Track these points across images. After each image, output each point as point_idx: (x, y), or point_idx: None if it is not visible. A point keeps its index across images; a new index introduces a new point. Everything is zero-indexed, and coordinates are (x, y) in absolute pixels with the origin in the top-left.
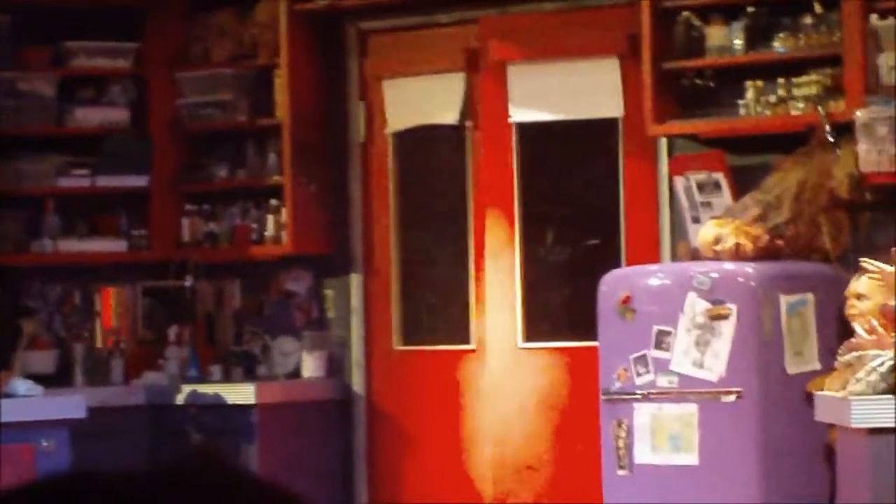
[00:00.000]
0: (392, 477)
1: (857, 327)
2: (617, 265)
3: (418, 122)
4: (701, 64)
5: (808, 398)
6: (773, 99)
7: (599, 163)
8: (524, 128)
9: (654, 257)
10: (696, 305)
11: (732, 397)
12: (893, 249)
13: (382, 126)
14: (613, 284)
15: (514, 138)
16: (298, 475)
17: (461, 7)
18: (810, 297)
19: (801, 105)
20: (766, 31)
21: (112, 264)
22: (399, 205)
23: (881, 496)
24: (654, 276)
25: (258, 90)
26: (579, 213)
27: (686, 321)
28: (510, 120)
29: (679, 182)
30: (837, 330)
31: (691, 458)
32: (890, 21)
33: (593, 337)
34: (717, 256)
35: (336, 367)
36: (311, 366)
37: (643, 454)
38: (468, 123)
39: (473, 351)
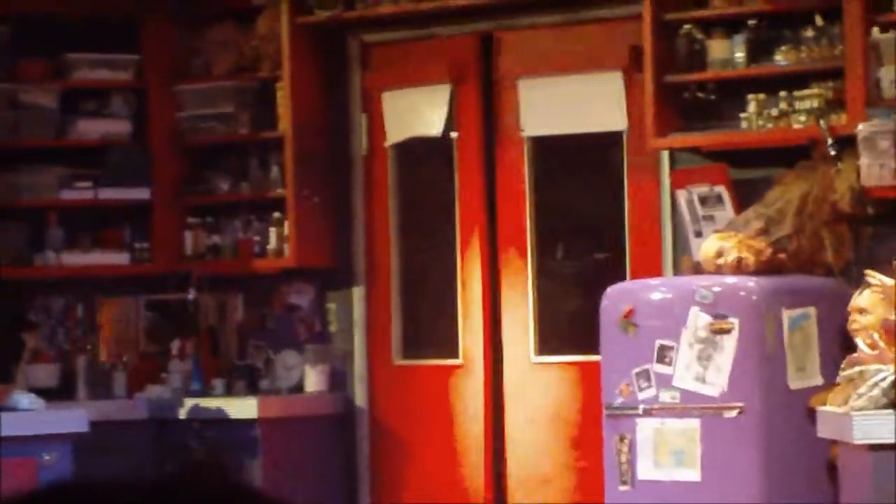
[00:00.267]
0: (394, 491)
1: (860, 342)
2: (623, 279)
3: (409, 135)
4: (703, 77)
5: (811, 413)
6: (774, 112)
7: (606, 176)
8: (533, 142)
9: (657, 271)
10: (698, 320)
11: (735, 412)
12: (895, 262)
13: (383, 138)
14: (615, 299)
15: (526, 152)
16: (301, 489)
17: (461, 20)
18: (813, 311)
19: (802, 118)
20: (767, 44)
21: (115, 277)
22: (399, 218)
23: None
24: (657, 291)
25: (260, 103)
26: (587, 227)
27: (688, 335)
28: (523, 134)
29: (681, 195)
30: (840, 344)
31: (693, 474)
32: (891, 34)
33: None
34: (720, 270)
35: (339, 380)
36: (313, 379)
37: (645, 469)
38: (454, 135)
39: (461, 366)
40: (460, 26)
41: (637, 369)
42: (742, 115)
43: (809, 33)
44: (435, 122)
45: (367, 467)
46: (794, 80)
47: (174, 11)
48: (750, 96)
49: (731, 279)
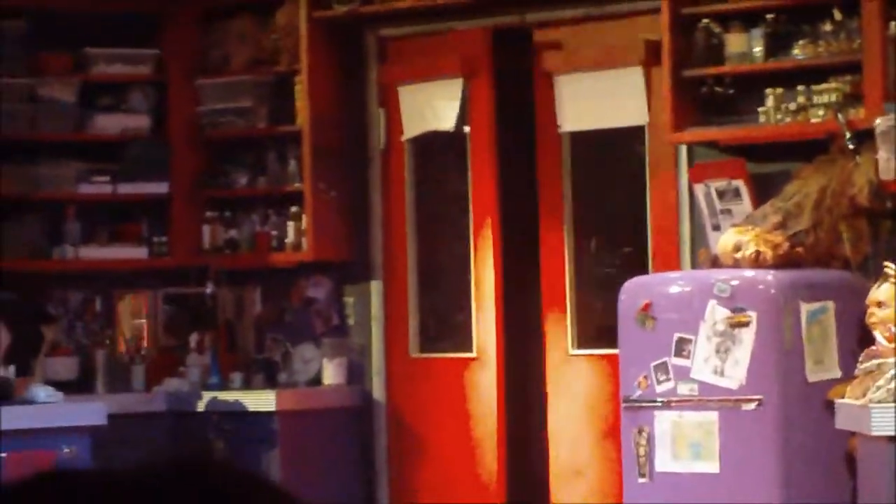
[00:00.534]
0: (412, 483)
1: (878, 335)
2: (646, 272)
3: (424, 129)
4: (721, 71)
5: (829, 406)
6: (792, 106)
7: (631, 170)
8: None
9: (675, 265)
10: (716, 313)
11: (753, 405)
12: None
13: (400, 132)
14: (634, 292)
15: (564, 148)
16: (319, 482)
17: (477, 14)
18: (831, 304)
19: (820, 112)
20: (785, 38)
21: (133, 271)
22: (416, 212)
23: None
24: (675, 284)
25: (278, 97)
26: (616, 221)
27: (706, 329)
28: (560, 130)
29: (699, 190)
30: (858, 338)
31: (712, 466)
32: None
33: None
34: (738, 264)
35: (356, 373)
36: (331, 373)
37: (664, 462)
38: (466, 129)
39: (475, 359)
40: (477, 20)
41: (655, 362)
42: (760, 109)
43: (828, 27)
44: (448, 117)
45: (384, 460)
46: (812, 75)
47: (193, 5)
48: (768, 90)
49: (748, 273)
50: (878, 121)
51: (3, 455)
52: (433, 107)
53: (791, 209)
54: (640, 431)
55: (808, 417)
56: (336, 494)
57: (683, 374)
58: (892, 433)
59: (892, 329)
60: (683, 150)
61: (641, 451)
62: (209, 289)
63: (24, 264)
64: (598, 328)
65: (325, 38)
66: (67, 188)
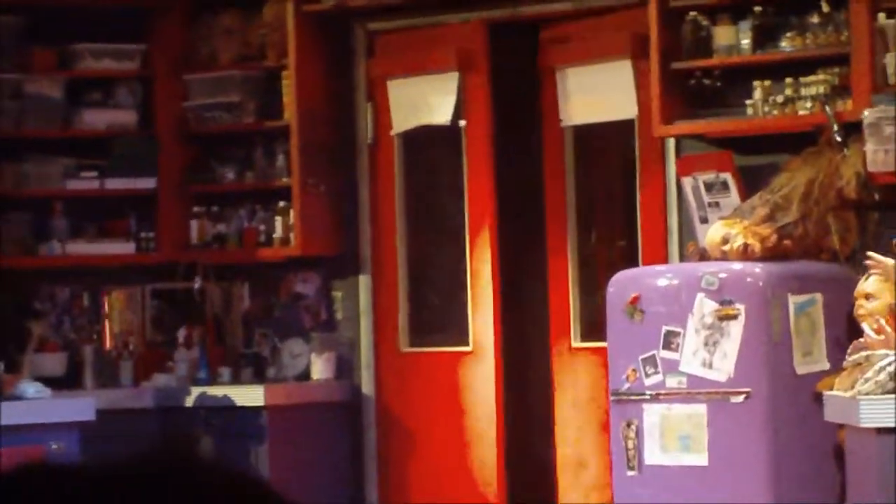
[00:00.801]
0: (402, 478)
1: (866, 327)
2: (636, 265)
3: (417, 123)
4: (708, 64)
5: (817, 398)
6: (780, 99)
7: (621, 163)
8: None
9: (663, 258)
10: (704, 306)
11: (741, 398)
12: (894, 241)
13: (389, 127)
14: (622, 285)
15: (567, 142)
16: (308, 477)
17: (467, 8)
18: (819, 297)
19: (808, 105)
20: (773, 30)
21: (120, 266)
22: (406, 206)
23: (890, 495)
24: (663, 277)
25: (266, 92)
26: (608, 214)
27: (695, 321)
28: (563, 124)
29: (687, 182)
30: (846, 330)
31: (700, 459)
32: None
33: None
34: (726, 257)
35: (345, 368)
36: (320, 367)
37: (652, 455)
38: (462, 123)
39: (471, 352)
40: (465, 14)
41: (644, 355)
42: (748, 101)
43: (815, 19)
44: (443, 111)
45: (374, 454)
46: (800, 67)
47: (181, 1)
48: (755, 83)
49: (737, 265)
50: (865, 113)
51: None
52: (427, 101)
53: (779, 201)
54: (628, 424)
55: (797, 410)
56: (325, 489)
57: (672, 367)
58: (881, 425)
59: (881, 321)
60: (671, 142)
61: (630, 444)
62: (197, 284)
63: (12, 261)
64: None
65: (313, 33)
66: (55, 184)
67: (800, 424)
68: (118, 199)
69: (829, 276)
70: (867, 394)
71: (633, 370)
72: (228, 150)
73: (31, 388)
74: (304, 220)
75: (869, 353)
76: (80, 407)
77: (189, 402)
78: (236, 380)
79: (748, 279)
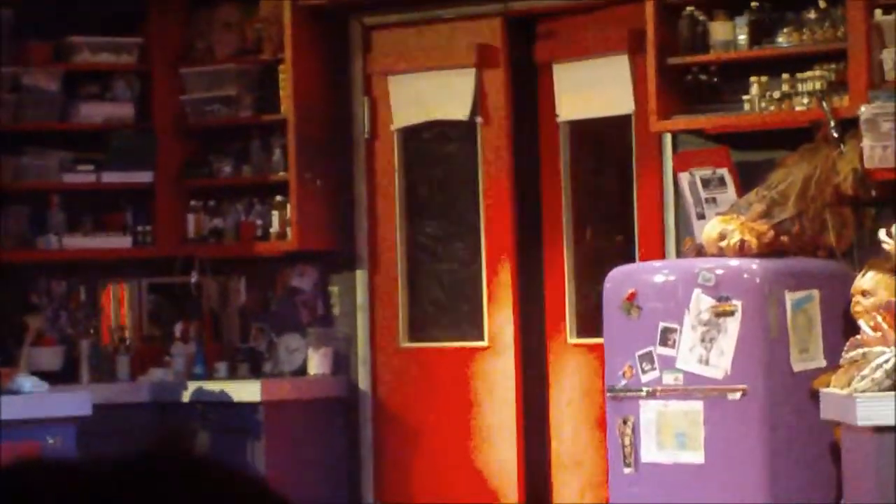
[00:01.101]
0: (398, 474)
1: (863, 324)
2: (633, 261)
3: (427, 118)
4: (705, 59)
5: (814, 395)
6: (777, 94)
7: (619, 159)
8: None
9: (660, 253)
10: (701, 302)
11: (738, 395)
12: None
13: (387, 122)
14: (618, 281)
15: (562, 137)
16: (304, 472)
17: (463, 3)
18: (816, 293)
19: (805, 101)
20: (770, 26)
21: (117, 260)
22: (405, 200)
23: (886, 493)
24: (659, 273)
25: (262, 86)
26: (606, 209)
27: (691, 318)
28: (558, 119)
29: (683, 178)
30: (843, 327)
31: (697, 456)
32: (894, 16)
33: None
34: (722, 253)
35: (342, 363)
36: (316, 362)
37: (649, 452)
38: (478, 119)
39: (487, 348)
40: (462, 8)
41: (640, 352)
42: (744, 97)
43: (812, 15)
44: (460, 106)
45: (370, 449)
46: (797, 62)
47: None
48: (752, 78)
49: (733, 261)
50: (862, 109)
51: None
52: (438, 97)
53: (776, 198)
54: (624, 421)
55: (793, 407)
56: (321, 484)
57: (668, 364)
58: (877, 423)
59: (878, 318)
60: (668, 138)
61: (626, 440)
62: (194, 278)
63: (9, 255)
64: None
65: (310, 27)
66: (52, 177)
67: (796, 422)
68: (115, 192)
69: (825, 273)
70: (864, 391)
71: (630, 367)
72: (225, 144)
73: (27, 382)
74: (300, 214)
75: (866, 350)
76: (76, 401)
77: (185, 396)
78: (233, 375)
79: (745, 275)
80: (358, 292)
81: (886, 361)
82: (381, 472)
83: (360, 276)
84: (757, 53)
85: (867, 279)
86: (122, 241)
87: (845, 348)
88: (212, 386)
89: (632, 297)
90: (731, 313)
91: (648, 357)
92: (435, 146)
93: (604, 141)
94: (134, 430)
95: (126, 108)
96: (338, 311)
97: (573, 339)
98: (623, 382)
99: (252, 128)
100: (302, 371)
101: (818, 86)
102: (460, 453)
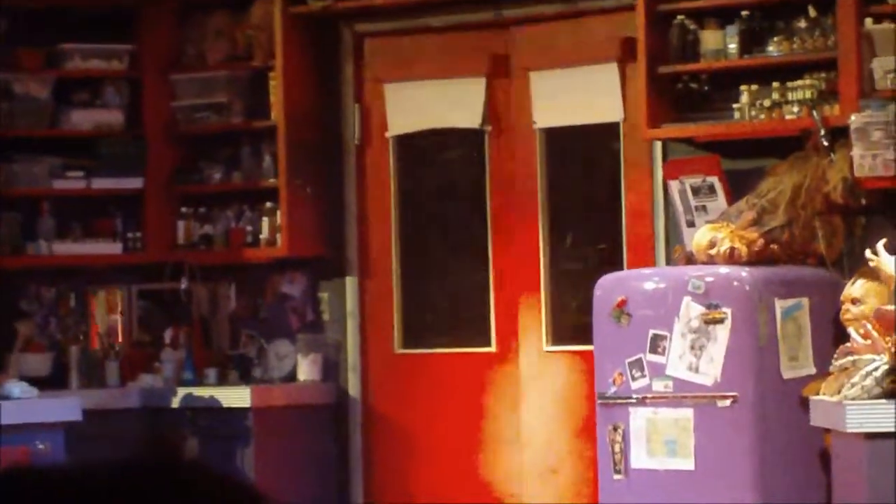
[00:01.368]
0: (388, 481)
1: (852, 332)
2: (621, 268)
3: (429, 126)
4: (696, 68)
5: (804, 403)
6: (767, 103)
7: (605, 166)
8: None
9: (650, 261)
10: (691, 310)
11: (728, 402)
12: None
13: (380, 129)
14: (608, 288)
15: (538, 144)
16: (293, 479)
17: (455, 10)
18: (805, 301)
19: (795, 109)
20: (760, 35)
21: (107, 266)
22: (399, 208)
23: (877, 500)
24: (650, 280)
25: (253, 92)
26: (590, 217)
27: (681, 325)
28: (535, 126)
29: (674, 186)
30: (833, 334)
31: (687, 463)
32: (884, 25)
33: None
34: (712, 261)
35: (331, 370)
36: (306, 369)
37: (639, 459)
38: (487, 128)
39: (495, 353)
40: (453, 17)
41: (630, 359)
42: (735, 105)
43: (802, 24)
44: (469, 115)
45: (359, 457)
46: (787, 71)
47: (168, 1)
48: (743, 87)
49: (723, 269)
50: (852, 117)
51: None
52: (442, 105)
53: (766, 206)
54: (615, 428)
55: (783, 414)
56: (310, 491)
57: (658, 371)
58: (867, 430)
59: (867, 325)
60: (658, 146)
61: (616, 447)
62: (183, 284)
63: None
64: (574, 325)
65: (300, 34)
66: (42, 184)
67: (786, 429)
68: (105, 199)
69: (815, 281)
70: (853, 399)
71: (620, 374)
72: (216, 151)
73: (16, 388)
74: (290, 220)
75: (855, 357)
76: (66, 407)
77: (175, 402)
78: (222, 381)
79: (735, 283)
80: (348, 299)
81: (876, 369)
82: (371, 479)
83: (350, 282)
84: (747, 62)
85: (857, 287)
86: (112, 248)
87: (835, 356)
88: (201, 392)
89: (622, 304)
90: (721, 321)
91: (638, 364)
92: (433, 153)
93: (590, 149)
94: (123, 436)
95: (116, 114)
96: (327, 318)
97: (549, 347)
98: (613, 389)
99: (242, 134)
100: (291, 377)
101: (808, 94)
102: (454, 460)
